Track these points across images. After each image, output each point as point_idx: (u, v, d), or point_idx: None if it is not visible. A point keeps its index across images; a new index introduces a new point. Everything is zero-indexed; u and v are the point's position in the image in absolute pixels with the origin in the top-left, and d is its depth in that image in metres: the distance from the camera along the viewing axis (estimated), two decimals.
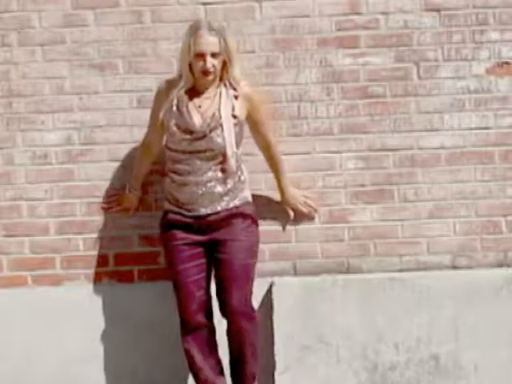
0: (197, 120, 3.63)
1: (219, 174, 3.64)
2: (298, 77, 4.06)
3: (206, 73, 3.60)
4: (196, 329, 3.67)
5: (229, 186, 3.66)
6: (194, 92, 3.68)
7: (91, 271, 4.11)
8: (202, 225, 3.65)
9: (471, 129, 4.09)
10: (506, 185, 4.10)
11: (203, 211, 3.64)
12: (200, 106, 3.66)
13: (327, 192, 4.09)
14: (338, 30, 4.08)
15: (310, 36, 4.07)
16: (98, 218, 4.11)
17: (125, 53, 4.09)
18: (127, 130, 4.10)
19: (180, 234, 3.66)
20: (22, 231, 4.12)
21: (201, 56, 3.58)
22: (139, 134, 4.07)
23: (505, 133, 4.10)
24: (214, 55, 3.58)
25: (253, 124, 3.79)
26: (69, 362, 4.06)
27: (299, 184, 4.06)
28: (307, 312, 4.02)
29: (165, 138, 3.75)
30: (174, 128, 3.64)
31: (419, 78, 4.09)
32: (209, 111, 3.65)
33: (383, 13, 4.08)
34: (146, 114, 4.06)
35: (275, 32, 4.06)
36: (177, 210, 3.68)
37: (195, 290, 3.66)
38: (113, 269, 4.12)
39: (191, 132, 3.62)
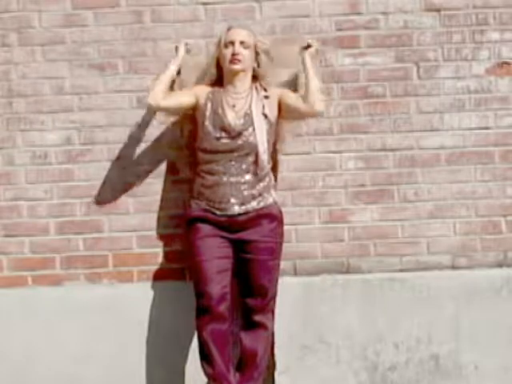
0: (231, 118, 3.75)
1: (251, 176, 3.73)
2: (299, 76, 4.05)
3: (234, 59, 3.73)
4: (218, 318, 3.71)
5: (259, 187, 3.75)
6: (227, 92, 3.80)
7: (91, 271, 4.11)
8: (231, 224, 3.72)
9: (471, 129, 4.10)
10: (506, 185, 4.10)
11: (234, 211, 3.71)
12: (234, 106, 3.77)
13: (327, 192, 4.09)
14: (338, 29, 4.08)
15: (310, 36, 4.06)
16: (98, 218, 4.11)
17: (125, 53, 4.09)
18: (127, 130, 4.10)
19: (208, 228, 3.74)
20: (22, 231, 4.12)
21: (231, 44, 3.75)
22: (139, 134, 4.08)
23: (505, 133, 4.10)
24: (242, 43, 3.75)
25: (287, 104, 3.82)
26: (69, 362, 4.06)
27: (299, 184, 4.08)
28: (307, 312, 4.03)
29: (198, 140, 3.82)
30: (210, 127, 3.73)
31: (419, 78, 4.09)
32: (242, 110, 3.76)
33: (383, 13, 4.08)
34: (146, 114, 4.07)
35: (275, 32, 4.06)
36: (208, 208, 3.74)
37: (220, 281, 3.72)
38: (113, 269, 4.12)
39: (226, 130, 3.73)
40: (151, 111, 4.02)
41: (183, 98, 3.86)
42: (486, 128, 4.10)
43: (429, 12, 4.08)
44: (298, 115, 3.87)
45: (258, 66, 3.83)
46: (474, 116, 4.09)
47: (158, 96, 3.77)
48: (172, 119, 4.06)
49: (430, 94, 4.09)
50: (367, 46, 4.08)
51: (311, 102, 3.74)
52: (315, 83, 3.78)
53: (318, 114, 3.82)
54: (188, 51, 3.93)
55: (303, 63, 3.85)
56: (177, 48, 3.91)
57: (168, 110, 3.91)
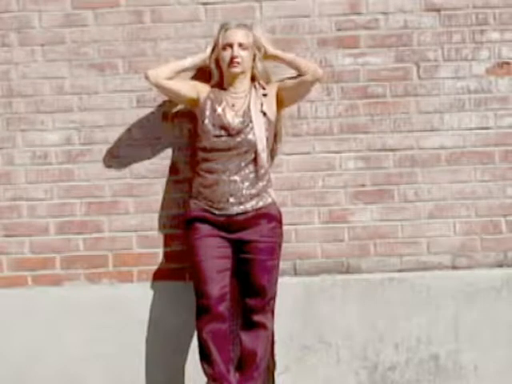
0: (230, 117, 3.75)
1: (250, 175, 3.73)
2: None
3: (233, 62, 3.73)
4: (218, 318, 3.71)
5: (258, 186, 3.75)
6: (227, 91, 3.81)
7: (91, 271, 4.11)
8: (230, 224, 3.72)
9: (471, 129, 4.10)
10: (506, 185, 4.10)
11: (233, 210, 3.71)
12: (233, 105, 3.78)
13: (327, 192, 4.09)
14: (338, 29, 4.08)
15: (310, 36, 4.07)
16: (98, 218, 4.11)
17: (125, 53, 4.09)
18: (127, 130, 4.10)
19: (207, 227, 3.74)
20: (22, 231, 4.12)
21: (229, 46, 3.75)
22: (139, 134, 4.08)
23: (505, 133, 4.10)
24: (241, 45, 3.75)
25: (289, 86, 3.83)
26: (69, 362, 4.06)
27: (299, 184, 4.08)
28: (307, 312, 4.03)
29: (198, 139, 3.82)
30: (209, 126, 3.74)
31: (419, 77, 4.09)
32: (241, 110, 3.78)
33: (383, 13, 4.08)
34: (146, 114, 4.07)
35: (275, 32, 4.06)
36: (206, 207, 3.74)
37: (219, 281, 3.72)
38: (113, 269, 4.12)
39: (225, 129, 3.73)
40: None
41: (184, 87, 3.86)
42: (486, 128, 4.10)
43: (429, 12, 4.08)
44: (305, 89, 3.86)
45: (257, 65, 3.83)
46: (474, 116, 4.09)
47: (161, 73, 3.80)
48: (171, 118, 4.07)
49: (430, 94, 4.09)
50: (367, 46, 4.08)
51: (310, 69, 3.78)
52: (294, 56, 3.85)
53: (321, 75, 3.81)
54: None
55: (271, 54, 3.86)
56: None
57: (164, 91, 3.88)
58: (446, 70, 4.09)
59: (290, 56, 3.87)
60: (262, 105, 3.78)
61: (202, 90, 3.85)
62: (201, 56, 3.90)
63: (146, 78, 3.81)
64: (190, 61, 3.90)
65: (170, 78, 3.81)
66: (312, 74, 3.78)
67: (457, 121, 4.09)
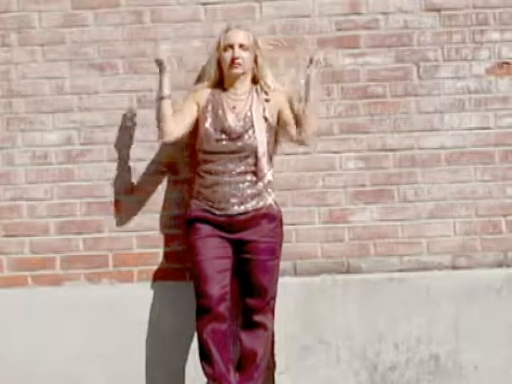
0: (231, 121, 3.75)
1: (251, 176, 3.73)
2: (298, 77, 4.06)
3: (234, 62, 3.72)
4: (218, 318, 3.71)
5: (259, 187, 3.75)
6: (228, 93, 3.80)
7: (91, 271, 4.11)
8: (231, 224, 3.72)
9: (471, 129, 4.10)
10: (506, 185, 4.10)
11: (233, 210, 3.71)
12: (234, 107, 3.78)
13: (327, 192, 4.09)
14: (338, 30, 4.08)
15: (310, 36, 4.07)
16: (98, 218, 4.11)
17: (125, 53, 4.09)
18: (127, 130, 4.10)
19: (208, 228, 3.74)
20: (22, 231, 4.12)
21: (230, 47, 3.74)
22: (139, 134, 4.08)
23: (505, 133, 4.10)
24: (242, 46, 3.74)
25: (282, 122, 3.80)
26: (68, 362, 4.06)
27: (299, 184, 4.08)
28: (307, 312, 4.03)
29: (198, 141, 3.81)
30: (210, 129, 3.74)
31: (419, 77, 4.09)
32: (242, 112, 3.77)
33: (383, 13, 4.08)
34: (145, 114, 4.07)
35: (275, 32, 4.06)
36: (207, 208, 3.74)
37: (220, 281, 3.72)
38: (113, 269, 4.12)
39: (226, 132, 3.73)
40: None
41: (190, 116, 3.81)
42: (486, 128, 4.10)
43: (429, 12, 4.08)
44: (285, 136, 3.85)
45: (257, 67, 3.83)
46: (474, 116, 4.09)
47: (172, 132, 3.76)
48: None
49: (430, 94, 4.09)
50: (367, 46, 4.08)
51: (306, 133, 3.75)
52: (314, 112, 3.75)
53: (304, 145, 3.86)
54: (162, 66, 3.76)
55: (307, 84, 3.73)
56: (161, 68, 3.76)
57: (183, 136, 3.86)
58: (446, 70, 4.09)
59: (312, 98, 3.72)
60: (264, 110, 3.78)
61: (200, 97, 3.83)
62: (165, 80, 3.75)
63: (167, 142, 3.85)
64: (167, 92, 3.74)
65: (175, 123, 3.75)
66: (301, 138, 3.75)
67: (457, 121, 4.09)
